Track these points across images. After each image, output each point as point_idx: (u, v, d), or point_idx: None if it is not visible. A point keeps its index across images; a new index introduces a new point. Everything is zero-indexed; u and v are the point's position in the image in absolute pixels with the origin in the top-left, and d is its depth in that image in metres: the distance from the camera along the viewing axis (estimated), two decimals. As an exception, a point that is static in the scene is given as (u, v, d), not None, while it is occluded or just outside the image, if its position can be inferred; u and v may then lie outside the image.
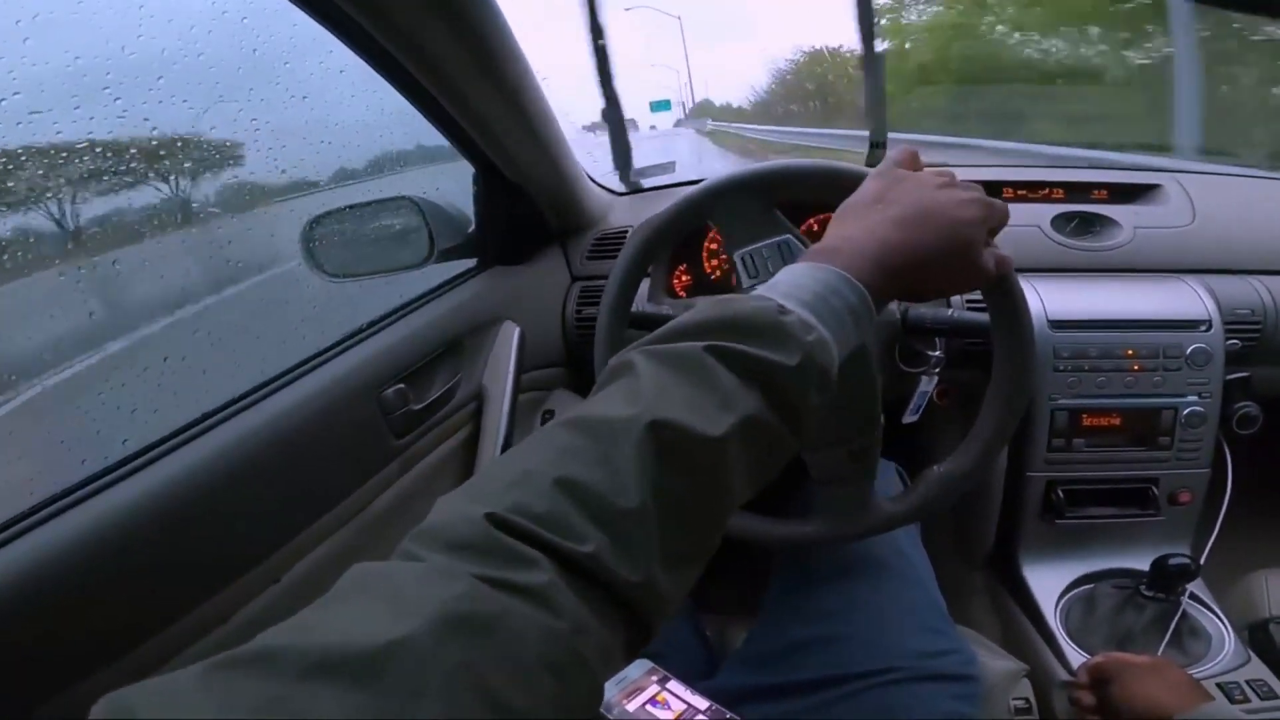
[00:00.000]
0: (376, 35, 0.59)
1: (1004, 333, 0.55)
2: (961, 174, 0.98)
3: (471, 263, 0.90)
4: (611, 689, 0.54)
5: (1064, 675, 0.79)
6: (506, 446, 0.80)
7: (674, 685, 0.54)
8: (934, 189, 0.42)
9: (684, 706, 0.53)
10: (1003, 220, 0.45)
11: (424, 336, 0.75)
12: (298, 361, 0.64)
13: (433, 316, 0.78)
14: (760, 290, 0.36)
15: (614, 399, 0.30)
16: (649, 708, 0.53)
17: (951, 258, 0.41)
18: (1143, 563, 0.80)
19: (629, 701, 0.53)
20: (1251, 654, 0.76)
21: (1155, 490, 0.85)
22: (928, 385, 0.77)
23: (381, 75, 0.67)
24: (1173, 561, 0.76)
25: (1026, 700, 0.74)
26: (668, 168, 1.10)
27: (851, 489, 0.59)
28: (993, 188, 0.96)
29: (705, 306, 0.35)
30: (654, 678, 0.55)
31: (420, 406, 0.70)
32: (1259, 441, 0.84)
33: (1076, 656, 0.80)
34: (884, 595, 0.61)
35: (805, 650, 0.57)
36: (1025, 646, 0.85)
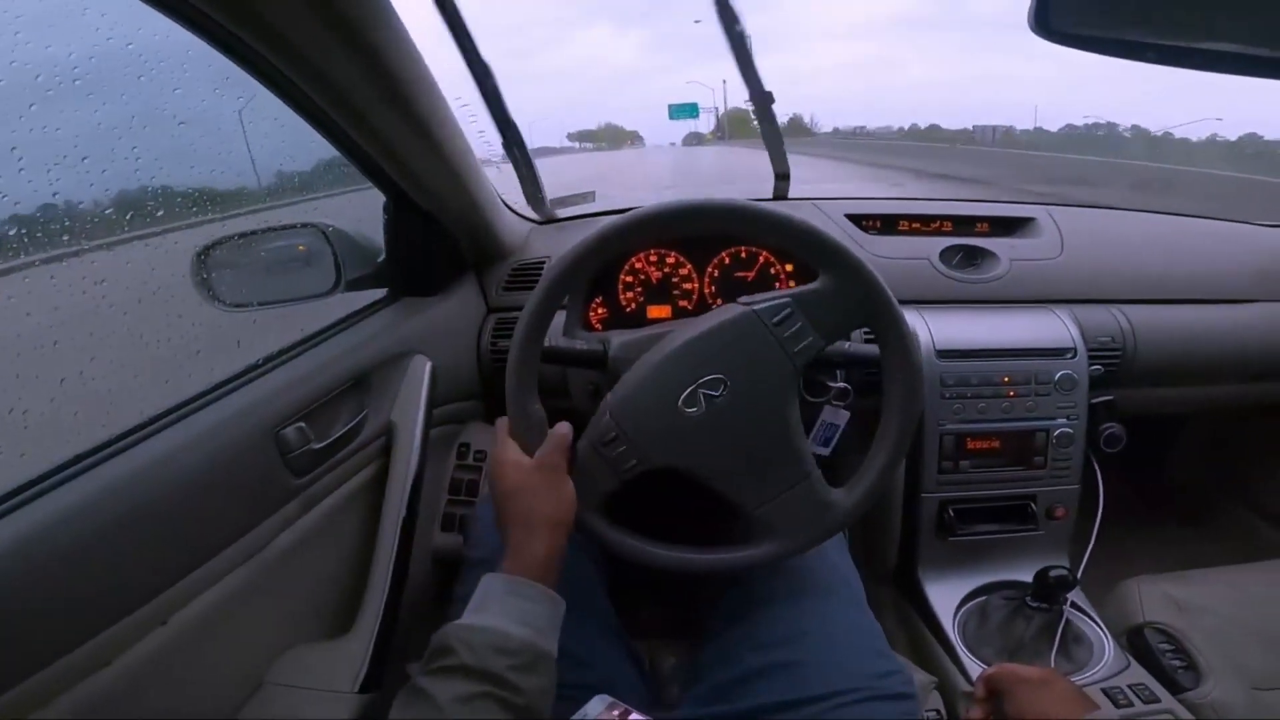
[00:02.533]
0: (278, 64, 0.58)
1: (890, 363, 0.60)
2: (869, 207, 1.04)
3: (381, 293, 0.88)
4: None
5: (965, 686, 0.83)
6: (417, 482, 0.78)
7: (635, 717, 0.55)
8: (491, 483, 0.61)
9: None
10: (502, 433, 0.61)
11: (328, 371, 0.72)
12: (188, 398, 0.61)
13: (338, 350, 0.76)
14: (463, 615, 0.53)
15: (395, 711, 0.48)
16: None
17: (520, 495, 0.57)
18: (1027, 575, 0.86)
19: None
20: (1130, 659, 0.81)
21: (1034, 506, 0.92)
22: (834, 417, 0.80)
23: (286, 103, 0.65)
24: (1053, 573, 0.81)
25: (937, 711, 0.76)
26: (587, 197, 1.12)
27: (798, 496, 0.61)
28: (889, 220, 1.03)
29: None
30: (614, 712, 0.55)
31: (322, 445, 0.68)
32: (1127, 458, 0.92)
33: (974, 666, 0.84)
34: (831, 619, 0.64)
35: (761, 677, 0.59)
36: (931, 658, 0.89)
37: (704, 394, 0.58)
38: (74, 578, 0.46)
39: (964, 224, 1.04)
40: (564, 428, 0.60)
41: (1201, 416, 1.27)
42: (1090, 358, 0.90)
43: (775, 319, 0.58)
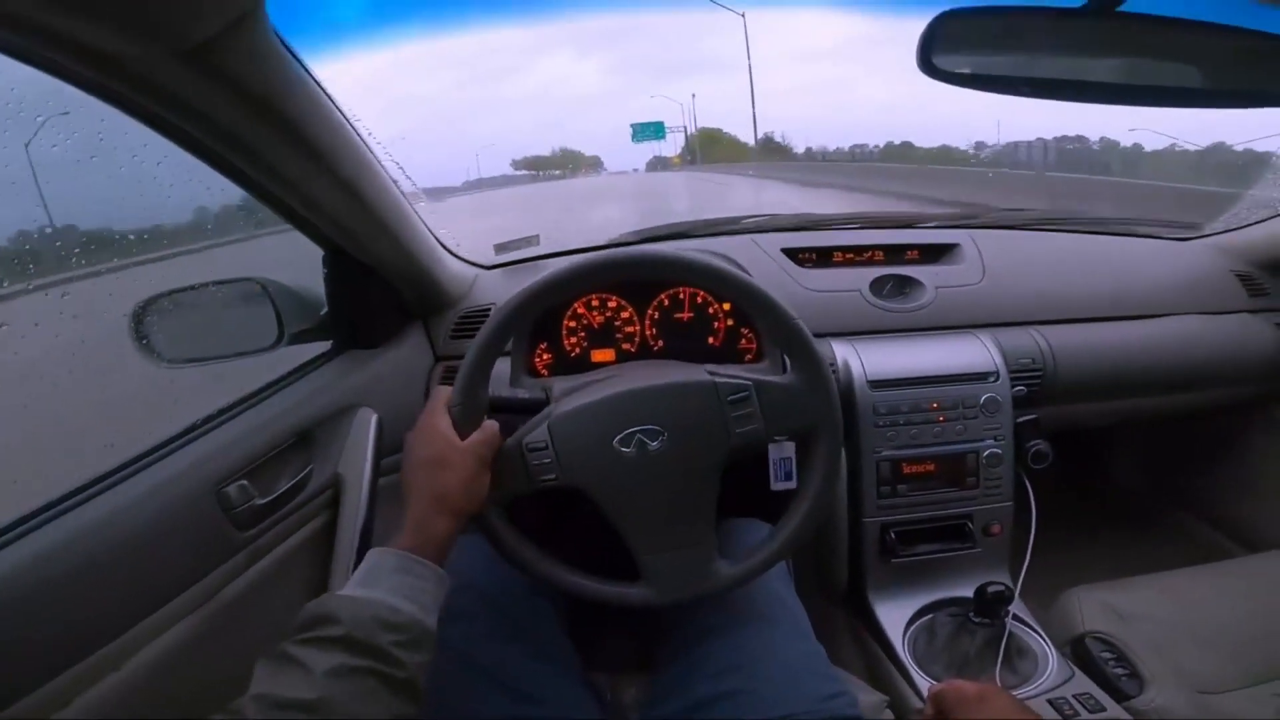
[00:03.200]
0: (201, 137, 0.59)
1: (815, 464, 0.64)
2: (800, 240, 1.08)
3: (325, 346, 0.88)
4: None
5: (918, 704, 0.85)
6: (366, 533, 0.77)
7: None
8: (408, 451, 0.61)
9: None
10: (438, 404, 0.62)
11: (270, 428, 0.73)
12: (129, 459, 0.62)
13: (280, 407, 0.76)
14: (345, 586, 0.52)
15: (255, 683, 0.44)
16: None
17: (438, 470, 0.58)
18: (969, 591, 0.89)
19: None
20: (1075, 669, 0.83)
21: (970, 525, 0.96)
22: (781, 452, 0.83)
23: (211, 168, 0.65)
24: (990, 589, 0.84)
25: None
26: (532, 240, 1.13)
27: (684, 557, 0.64)
28: (824, 253, 1.07)
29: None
30: None
31: (266, 500, 0.68)
32: (1065, 469, 0.96)
33: (925, 683, 0.86)
34: (776, 646, 0.66)
35: (711, 707, 0.61)
36: (884, 677, 0.91)
37: (640, 439, 0.61)
38: (29, 624, 0.48)
39: (894, 253, 1.09)
40: (495, 425, 0.61)
41: (1135, 424, 1.32)
42: (1012, 379, 0.95)
43: (731, 396, 0.62)
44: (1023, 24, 0.48)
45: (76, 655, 0.51)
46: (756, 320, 0.63)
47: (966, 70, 0.51)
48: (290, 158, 0.64)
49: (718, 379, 0.62)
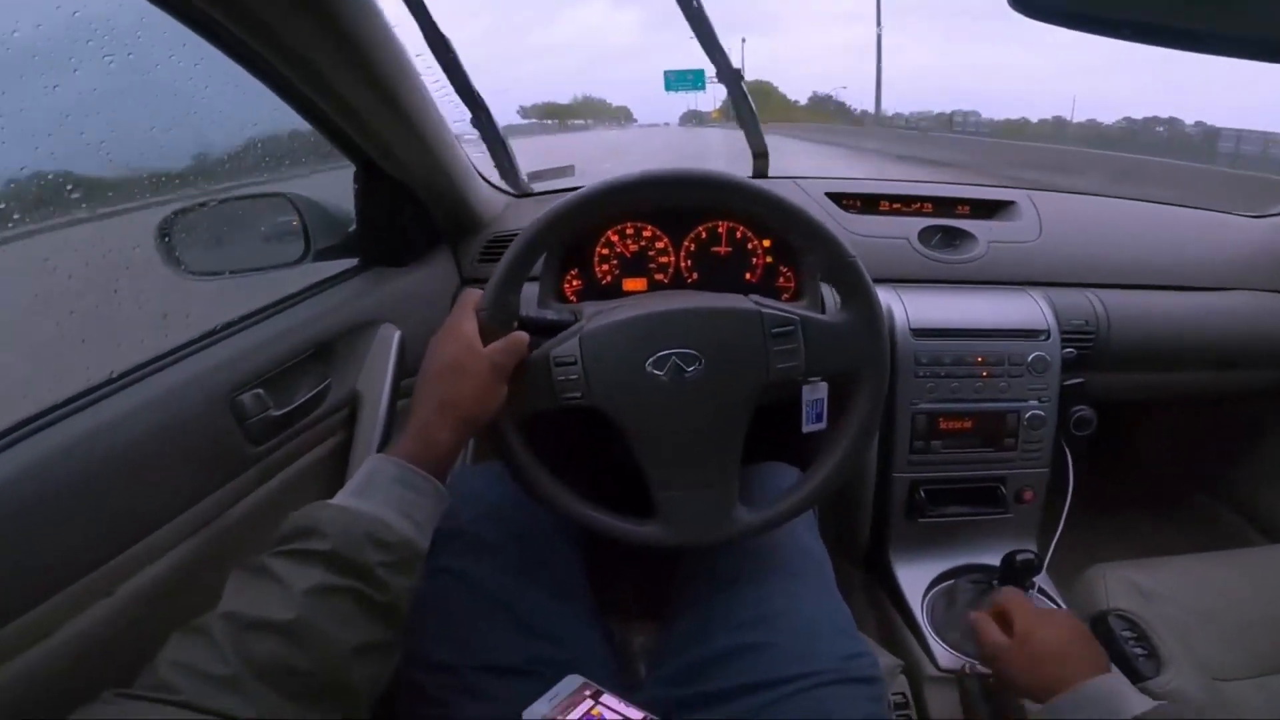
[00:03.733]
0: (237, 31, 0.56)
1: (856, 411, 0.60)
2: (849, 186, 1.03)
3: (351, 263, 0.87)
4: (546, 705, 0.53)
5: (932, 670, 0.83)
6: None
7: (607, 699, 0.55)
8: (430, 352, 0.56)
9: (618, 718, 0.53)
10: (468, 306, 0.57)
11: (290, 338, 0.71)
12: (141, 362, 0.59)
13: (301, 318, 0.74)
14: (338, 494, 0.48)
15: (226, 600, 0.41)
16: None
17: (456, 376, 0.53)
18: (995, 558, 0.85)
19: (563, 716, 0.53)
20: None
21: (1003, 489, 0.93)
22: (814, 393, 0.80)
23: (247, 70, 0.63)
24: (1020, 557, 0.81)
25: (904, 695, 0.77)
26: (566, 170, 1.10)
27: (704, 497, 0.61)
28: (870, 200, 1.02)
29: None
30: (587, 692, 0.55)
31: (281, 413, 0.66)
32: (1094, 442, 0.92)
33: (940, 650, 0.85)
34: (799, 600, 0.63)
35: (730, 659, 0.58)
36: (899, 641, 0.90)
37: (676, 362, 0.57)
38: (13, 546, 0.43)
39: (944, 205, 1.04)
40: (523, 336, 0.57)
41: (1169, 404, 1.28)
42: (1063, 340, 0.90)
43: (775, 329, 0.58)
44: None
45: (65, 579, 0.46)
46: (808, 254, 0.59)
47: (1067, 8, 0.45)
48: (328, 53, 0.61)
49: (764, 309, 0.58)
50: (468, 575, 0.62)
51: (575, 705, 0.54)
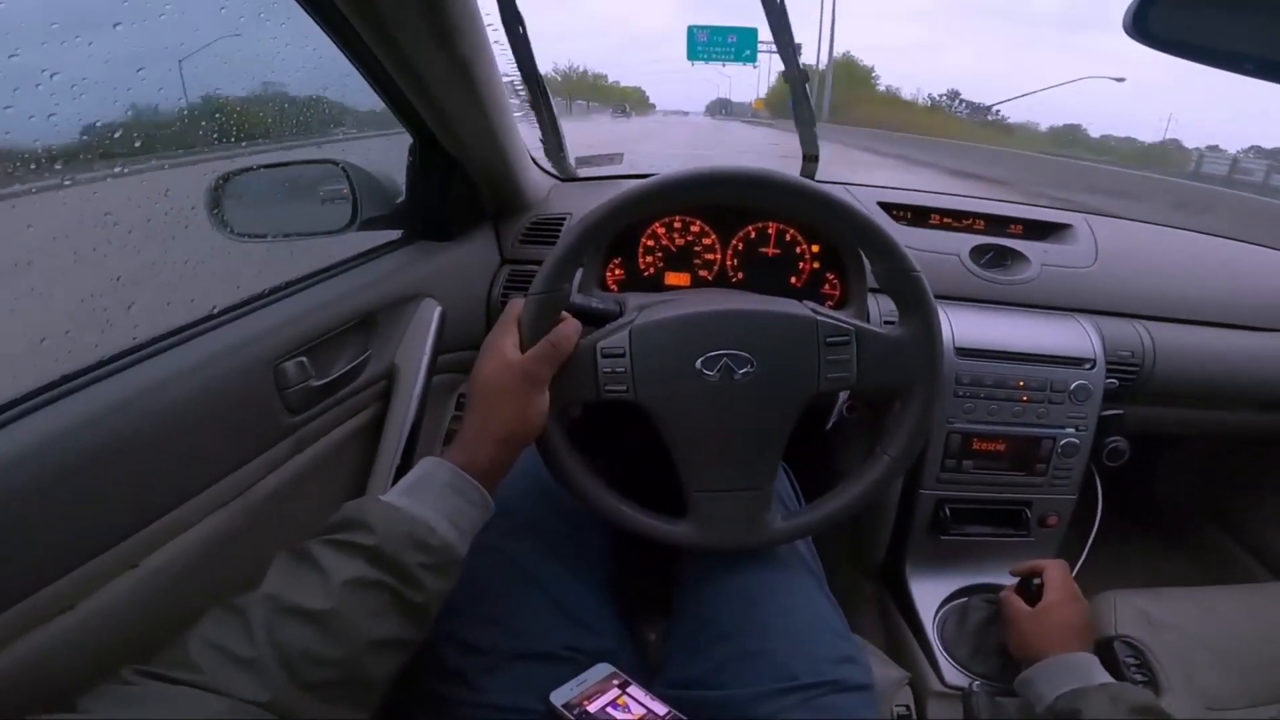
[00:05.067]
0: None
1: (902, 427, 0.59)
2: (900, 197, 1.01)
3: (396, 234, 0.87)
4: (573, 690, 0.54)
5: (937, 685, 0.84)
6: (415, 429, 0.77)
7: (634, 690, 0.55)
8: (478, 363, 0.55)
9: (644, 711, 0.54)
10: (510, 319, 0.56)
11: (334, 308, 0.70)
12: (187, 323, 0.58)
13: (346, 287, 0.74)
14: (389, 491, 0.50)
15: (268, 581, 0.42)
16: (610, 710, 0.54)
17: (496, 393, 0.53)
18: (1010, 579, 0.85)
19: (590, 704, 0.53)
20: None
21: (1029, 513, 0.92)
22: (843, 395, 0.79)
23: (326, 32, 0.62)
24: (1036, 581, 0.81)
25: (907, 707, 0.76)
26: (615, 158, 1.09)
27: (739, 501, 0.61)
28: (921, 213, 1.00)
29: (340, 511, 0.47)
30: (615, 681, 0.56)
31: (321, 383, 0.66)
32: (1117, 472, 0.92)
33: (948, 666, 0.85)
34: (795, 605, 0.64)
35: (725, 668, 0.59)
36: (906, 654, 0.90)
37: (728, 364, 0.56)
38: (37, 517, 0.42)
39: (997, 224, 1.02)
40: (572, 327, 0.56)
41: (1195, 439, 1.27)
42: (1108, 370, 0.89)
43: (830, 338, 0.57)
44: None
45: (90, 552, 0.45)
46: (875, 263, 0.57)
47: (1185, 39, 0.43)
48: (416, 21, 0.59)
49: (820, 317, 0.57)
50: (510, 554, 0.62)
51: (603, 693, 0.55)
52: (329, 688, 0.40)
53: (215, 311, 0.62)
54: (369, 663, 0.42)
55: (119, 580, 0.47)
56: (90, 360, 0.50)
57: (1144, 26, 0.43)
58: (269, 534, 0.61)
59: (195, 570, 0.53)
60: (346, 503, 0.47)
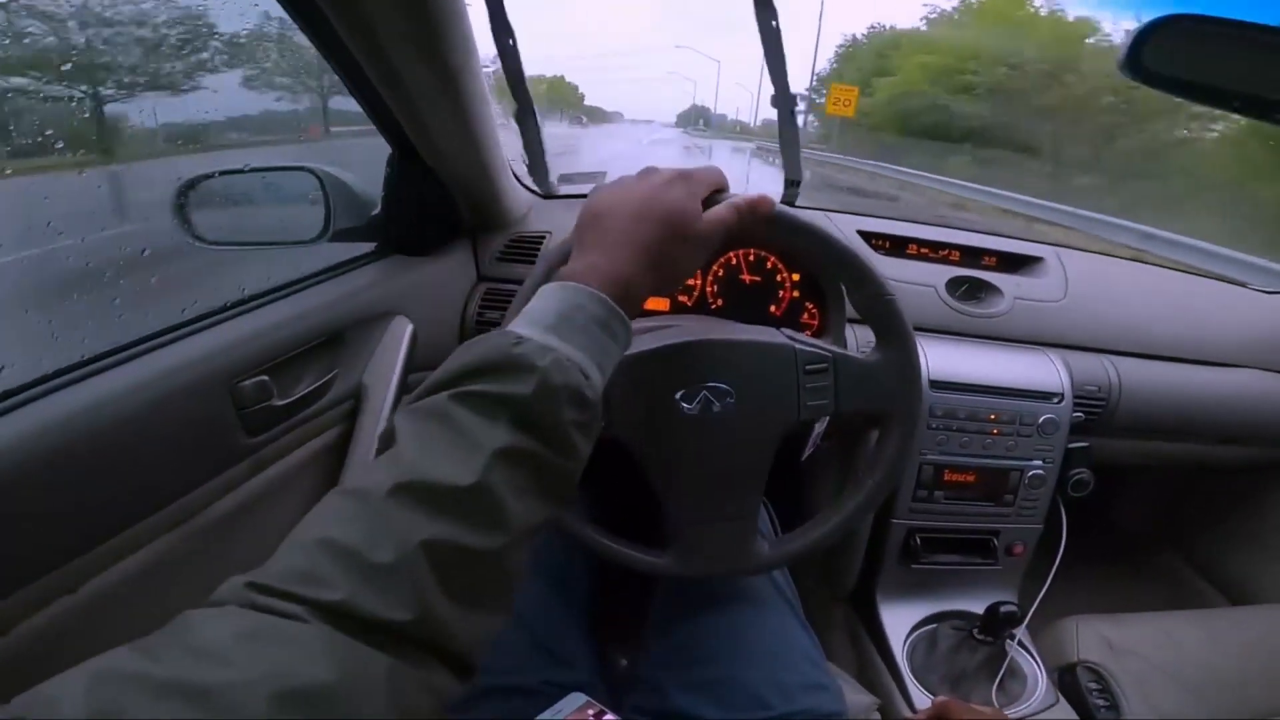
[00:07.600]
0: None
1: (880, 458, 0.59)
2: (875, 226, 1.02)
3: (369, 247, 0.84)
4: None
5: (907, 712, 0.84)
6: (383, 450, 0.75)
7: (610, 718, 0.54)
8: (634, 187, 0.45)
9: None
10: (711, 179, 0.47)
11: (301, 323, 0.68)
12: (140, 337, 0.55)
13: (315, 302, 0.71)
14: (515, 321, 0.39)
15: (378, 467, 0.33)
16: None
17: (674, 232, 0.43)
18: (978, 606, 0.88)
19: None
20: (1059, 695, 0.84)
21: (996, 542, 0.94)
22: (820, 425, 0.80)
23: (308, 36, 0.60)
24: (1003, 609, 0.83)
25: None
26: (597, 176, 1.08)
27: (724, 531, 0.60)
28: (899, 242, 1.01)
29: (454, 354, 0.37)
30: (590, 711, 0.55)
31: (284, 402, 0.63)
32: (1081, 501, 0.94)
33: (917, 692, 0.86)
34: (768, 632, 0.63)
35: (700, 696, 0.58)
36: (876, 681, 0.90)
37: (707, 396, 0.56)
38: None
39: (971, 255, 1.03)
40: (769, 204, 0.49)
41: (1155, 469, 1.30)
42: (1075, 404, 0.91)
43: (808, 366, 0.57)
44: (1263, 39, 0.42)
45: (27, 575, 0.42)
46: (852, 291, 0.57)
47: (1179, 75, 0.46)
48: (401, 30, 0.57)
49: (797, 345, 0.57)
50: None
51: None
52: (475, 596, 0.31)
53: (172, 325, 0.58)
54: (513, 556, 0.33)
55: (56, 605, 0.45)
56: (27, 378, 0.47)
57: (1137, 65, 0.46)
58: (219, 561, 0.57)
59: (139, 596, 0.50)
60: (471, 341, 0.38)
